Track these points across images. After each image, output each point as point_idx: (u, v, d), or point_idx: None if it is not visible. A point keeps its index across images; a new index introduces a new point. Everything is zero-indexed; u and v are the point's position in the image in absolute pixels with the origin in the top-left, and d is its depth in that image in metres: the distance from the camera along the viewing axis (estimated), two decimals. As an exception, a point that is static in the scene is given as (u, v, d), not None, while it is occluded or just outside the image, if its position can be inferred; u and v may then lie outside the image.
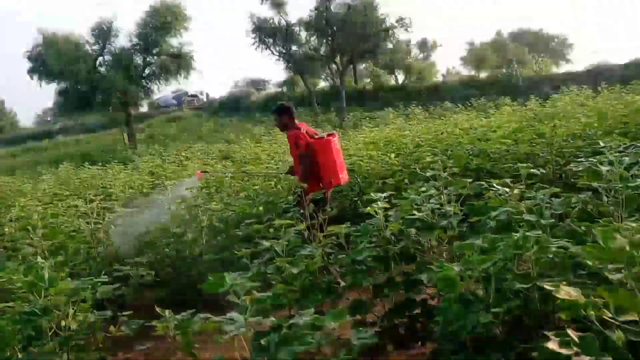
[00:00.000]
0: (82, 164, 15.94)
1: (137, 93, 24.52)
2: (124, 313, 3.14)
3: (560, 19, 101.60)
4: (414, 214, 3.21)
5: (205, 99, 45.08)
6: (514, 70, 27.22)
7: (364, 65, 35.63)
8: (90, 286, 3.07)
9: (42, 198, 7.56)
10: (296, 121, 5.08)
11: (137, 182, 8.86)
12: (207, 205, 4.66)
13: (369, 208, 3.24)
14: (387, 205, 3.27)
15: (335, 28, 27.62)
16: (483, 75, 29.71)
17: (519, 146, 5.75)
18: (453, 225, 2.83)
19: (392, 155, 5.47)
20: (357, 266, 3.20)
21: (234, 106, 38.46)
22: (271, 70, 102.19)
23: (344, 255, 3.30)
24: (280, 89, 36.90)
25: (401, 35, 28.50)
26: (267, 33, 27.73)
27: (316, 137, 4.92)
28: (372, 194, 3.64)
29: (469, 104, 22.82)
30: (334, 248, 3.43)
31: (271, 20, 28.08)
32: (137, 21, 24.52)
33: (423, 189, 3.50)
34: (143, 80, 25.65)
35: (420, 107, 24.75)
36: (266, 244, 3.16)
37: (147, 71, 25.65)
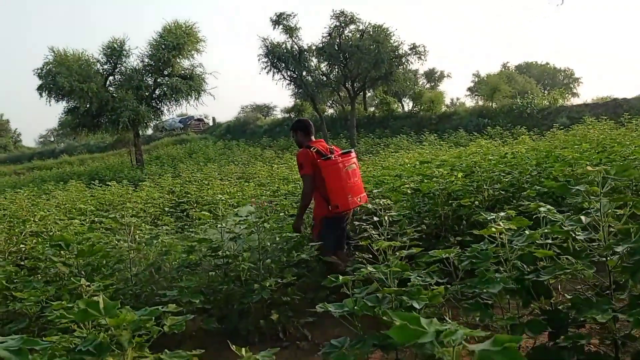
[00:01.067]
0: (91, 182, 15.45)
1: (147, 113, 24.07)
2: (195, 352, 2.53)
3: (566, 53, 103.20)
4: (543, 239, 2.66)
5: (211, 123, 44.88)
6: (529, 100, 26.92)
7: (370, 92, 35.49)
8: (154, 317, 2.46)
9: (58, 213, 6.99)
10: (312, 138, 4.68)
11: (160, 200, 8.33)
12: (265, 224, 4.07)
13: (490, 229, 2.68)
14: (512, 226, 2.71)
15: (347, 54, 27.43)
16: (493, 105, 29.33)
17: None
18: (620, 252, 2.25)
19: (460, 175, 4.93)
20: (479, 299, 2.62)
21: (241, 130, 38.26)
22: (276, 96, 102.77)
23: (459, 286, 2.73)
24: (287, 115, 36.66)
25: (415, 63, 28.34)
26: (279, 57, 27.49)
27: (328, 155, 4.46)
28: (482, 214, 3.10)
29: (485, 133, 22.48)
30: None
31: (283, 45, 27.91)
32: (150, 41, 24.29)
33: (543, 208, 2.96)
34: (153, 101, 25.27)
35: (433, 135, 24.48)
36: (370, 269, 2.58)
37: (157, 92, 25.29)
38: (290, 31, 27.60)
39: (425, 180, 5.02)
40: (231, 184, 9.78)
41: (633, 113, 19.26)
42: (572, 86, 47.56)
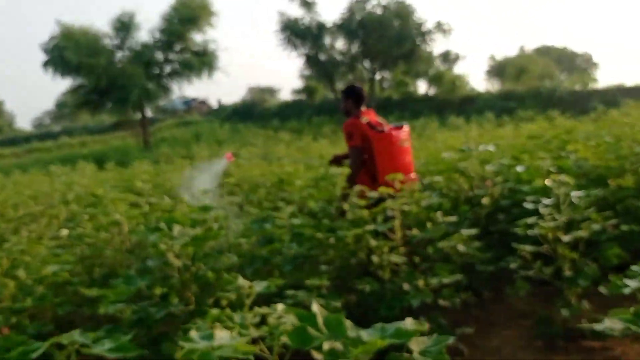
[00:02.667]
0: (100, 164, 14.53)
1: (157, 91, 22.85)
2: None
3: (572, 41, 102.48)
4: None
5: (216, 105, 43.39)
6: (557, 83, 25.82)
7: (386, 73, 34.20)
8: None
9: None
10: (362, 109, 4.19)
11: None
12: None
13: None
14: None
15: (368, 30, 26.03)
16: (519, 87, 28.16)
17: None
18: None
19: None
20: None
21: (248, 112, 36.88)
22: (281, 78, 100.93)
23: None
24: (299, 97, 35.31)
25: (439, 41, 27.06)
26: (296, 33, 26.12)
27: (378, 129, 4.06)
28: None
29: (515, 116, 21.23)
30: None
31: (301, 20, 26.52)
32: (162, 14, 22.95)
33: None
34: (163, 79, 24.01)
35: (461, 118, 23.21)
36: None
37: (168, 69, 24.03)
38: (308, 5, 26.18)
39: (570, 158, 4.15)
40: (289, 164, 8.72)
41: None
42: (589, 71, 46.43)
